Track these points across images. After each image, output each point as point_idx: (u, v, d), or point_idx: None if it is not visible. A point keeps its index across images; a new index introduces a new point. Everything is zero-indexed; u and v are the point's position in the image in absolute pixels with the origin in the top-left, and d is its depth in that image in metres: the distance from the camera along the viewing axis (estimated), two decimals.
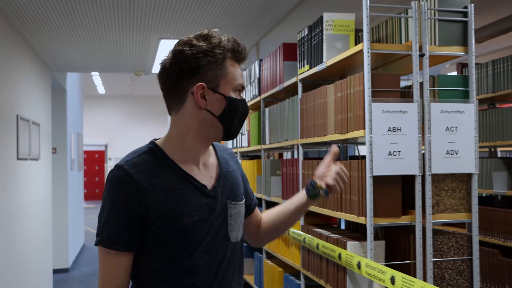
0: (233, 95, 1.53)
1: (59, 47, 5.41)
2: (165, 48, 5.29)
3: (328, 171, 1.71)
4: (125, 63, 6.42)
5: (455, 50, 2.70)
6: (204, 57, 1.49)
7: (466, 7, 2.72)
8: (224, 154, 1.69)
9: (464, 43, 2.71)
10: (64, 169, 7.67)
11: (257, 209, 1.82)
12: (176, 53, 1.50)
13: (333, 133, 2.92)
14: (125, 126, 18.71)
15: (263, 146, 4.32)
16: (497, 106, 4.94)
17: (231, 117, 1.53)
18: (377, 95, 2.58)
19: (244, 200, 1.67)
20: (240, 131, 1.52)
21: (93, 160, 19.20)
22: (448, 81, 2.73)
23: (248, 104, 5.14)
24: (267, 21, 4.64)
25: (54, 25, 4.50)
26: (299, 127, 3.43)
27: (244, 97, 1.50)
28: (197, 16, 4.43)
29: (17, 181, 4.65)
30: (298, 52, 3.49)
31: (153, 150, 1.53)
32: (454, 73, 6.19)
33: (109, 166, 18.82)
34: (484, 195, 5.12)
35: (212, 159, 1.63)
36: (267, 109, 4.24)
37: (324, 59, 3.01)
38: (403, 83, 2.86)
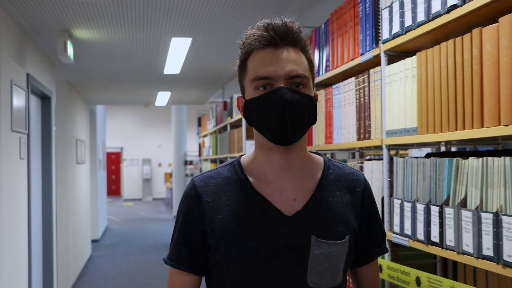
0: (253, 93, 1.25)
1: (99, 95, 8.72)
2: (162, 96, 8.61)
3: None
4: (137, 101, 9.78)
5: None
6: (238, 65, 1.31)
7: None
8: (337, 180, 1.34)
9: None
10: (95, 169, 10.57)
11: (373, 269, 1.41)
12: None
13: (236, 153, 6.10)
14: (138, 131, 20.89)
15: (217, 156, 7.55)
16: None
17: (255, 119, 1.26)
18: (250, 136, 5.76)
19: (345, 240, 1.28)
20: (296, 127, 1.23)
21: (110, 160, 21.13)
22: None
23: (210, 130, 8.39)
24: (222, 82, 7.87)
25: (99, 88, 7.76)
26: (228, 148, 6.61)
27: (278, 86, 1.21)
28: (180, 84, 7.65)
29: (77, 178, 7.79)
30: (228, 108, 6.69)
31: (233, 164, 1.35)
32: None
33: (124, 166, 21.19)
34: None
35: (309, 182, 1.31)
36: (219, 135, 7.45)
37: (233, 116, 6.20)
38: None
